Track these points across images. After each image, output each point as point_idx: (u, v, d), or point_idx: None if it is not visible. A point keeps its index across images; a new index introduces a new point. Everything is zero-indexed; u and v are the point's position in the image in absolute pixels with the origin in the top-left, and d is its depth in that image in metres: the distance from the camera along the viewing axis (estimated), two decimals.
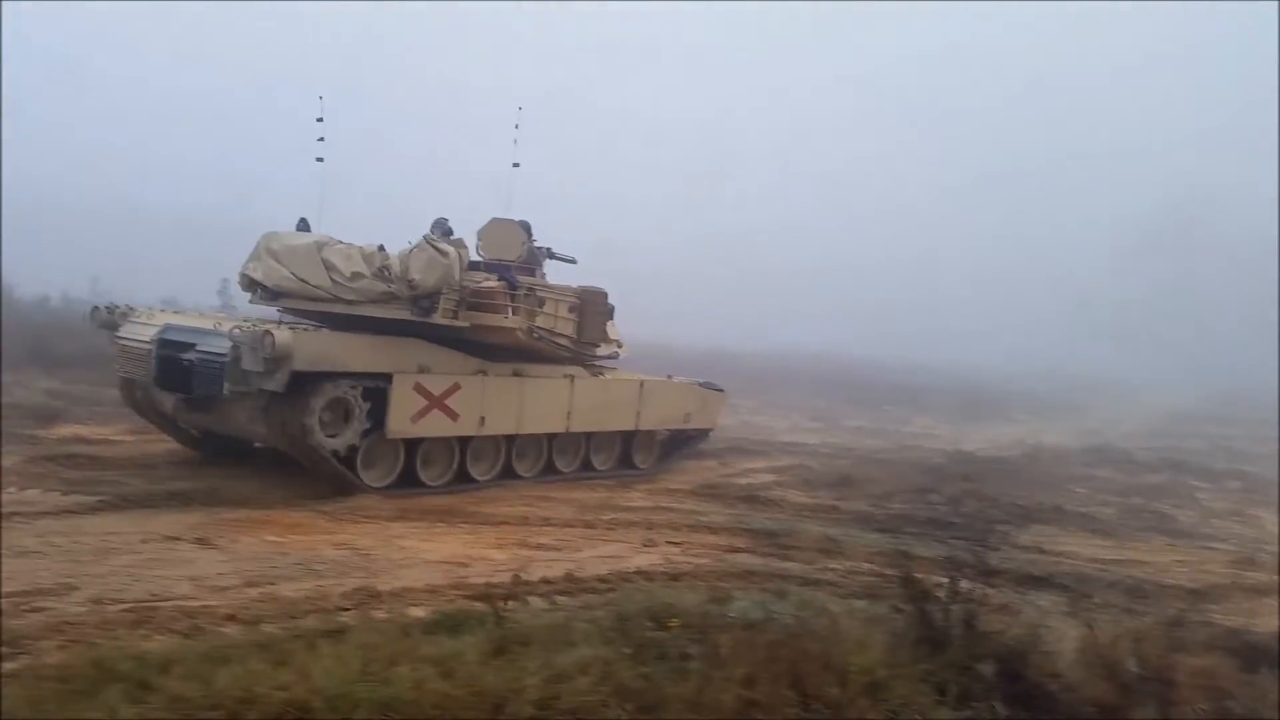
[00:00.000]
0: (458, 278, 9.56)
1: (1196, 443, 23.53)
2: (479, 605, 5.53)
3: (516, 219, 11.27)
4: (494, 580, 6.25)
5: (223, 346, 8.49)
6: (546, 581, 6.44)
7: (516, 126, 11.26)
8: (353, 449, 9.04)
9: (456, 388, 9.73)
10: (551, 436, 11.07)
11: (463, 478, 10.11)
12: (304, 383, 8.59)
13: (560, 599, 6.10)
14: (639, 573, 6.88)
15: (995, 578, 7.76)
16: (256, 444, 10.23)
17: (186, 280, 22.63)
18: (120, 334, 9.64)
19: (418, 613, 5.56)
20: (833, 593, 6.73)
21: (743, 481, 12.13)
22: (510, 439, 10.56)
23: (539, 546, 7.68)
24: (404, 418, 9.29)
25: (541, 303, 10.50)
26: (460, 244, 9.89)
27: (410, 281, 9.29)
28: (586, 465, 11.72)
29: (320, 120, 10.45)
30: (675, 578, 6.80)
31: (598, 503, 9.73)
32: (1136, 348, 47.60)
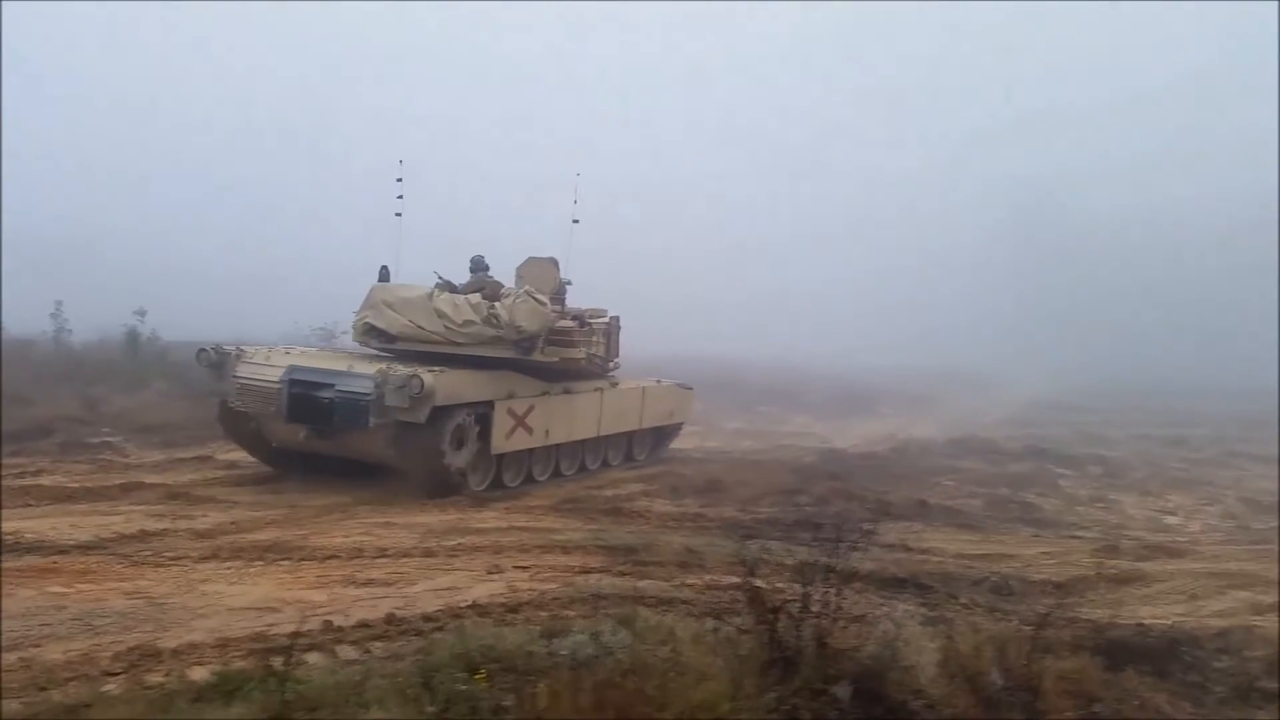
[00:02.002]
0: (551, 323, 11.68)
1: (1058, 430, 24.14)
2: (274, 662, 4.81)
3: (547, 256, 12.86)
4: (301, 629, 5.50)
5: (364, 386, 10.10)
6: (364, 625, 5.72)
7: (575, 194, 12.85)
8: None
9: (532, 408, 11.62)
10: (584, 441, 13.02)
11: (527, 479, 12.02)
12: (436, 414, 10.16)
13: (377, 645, 5.40)
14: (474, 606, 6.21)
15: (857, 582, 7.42)
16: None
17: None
18: (239, 373, 10.86)
19: (200, 674, 4.79)
20: (687, 612, 6.22)
21: (608, 493, 11.58)
22: (559, 445, 12.43)
23: (367, 583, 6.91)
24: (502, 436, 11.20)
25: (593, 333, 12.66)
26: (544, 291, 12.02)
27: (518, 327, 11.22)
28: (604, 463, 13.74)
29: (400, 180, 12.29)
30: (514, 609, 6.16)
31: (445, 527, 9.00)
32: (993, 340, 49.05)
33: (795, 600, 5.04)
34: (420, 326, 11.38)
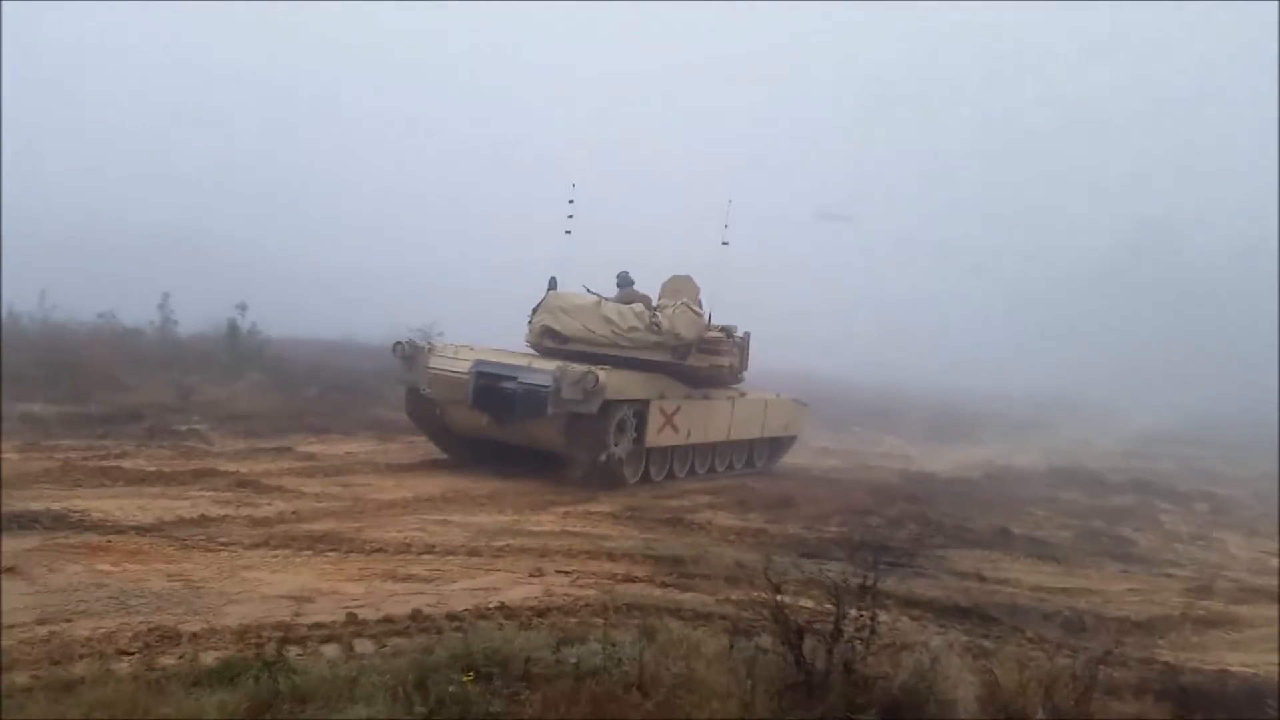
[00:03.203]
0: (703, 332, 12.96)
1: (1168, 464, 22.84)
2: (291, 651, 4.73)
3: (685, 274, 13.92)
4: (319, 620, 5.43)
5: (544, 380, 11.25)
6: (388, 620, 5.61)
7: (726, 225, 13.62)
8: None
9: (678, 409, 12.66)
10: (715, 444, 13.94)
11: (669, 475, 13.09)
12: (605, 407, 11.27)
13: (395, 641, 5.27)
14: (502, 608, 6.04)
15: (915, 609, 7.02)
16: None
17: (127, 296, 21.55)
18: (431, 365, 12.09)
19: (211, 659, 4.74)
20: (723, 628, 5.91)
21: (673, 503, 11.30)
22: (695, 446, 13.41)
23: (407, 578, 6.82)
24: (655, 432, 12.25)
25: (735, 344, 13.83)
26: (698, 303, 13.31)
27: (677, 335, 12.52)
28: (729, 466, 14.60)
29: (571, 202, 13.14)
30: (542, 613, 5.97)
31: (498, 527, 8.89)
32: (1108, 369, 46.95)
33: (826, 621, 4.73)
34: (590, 330, 12.63)
